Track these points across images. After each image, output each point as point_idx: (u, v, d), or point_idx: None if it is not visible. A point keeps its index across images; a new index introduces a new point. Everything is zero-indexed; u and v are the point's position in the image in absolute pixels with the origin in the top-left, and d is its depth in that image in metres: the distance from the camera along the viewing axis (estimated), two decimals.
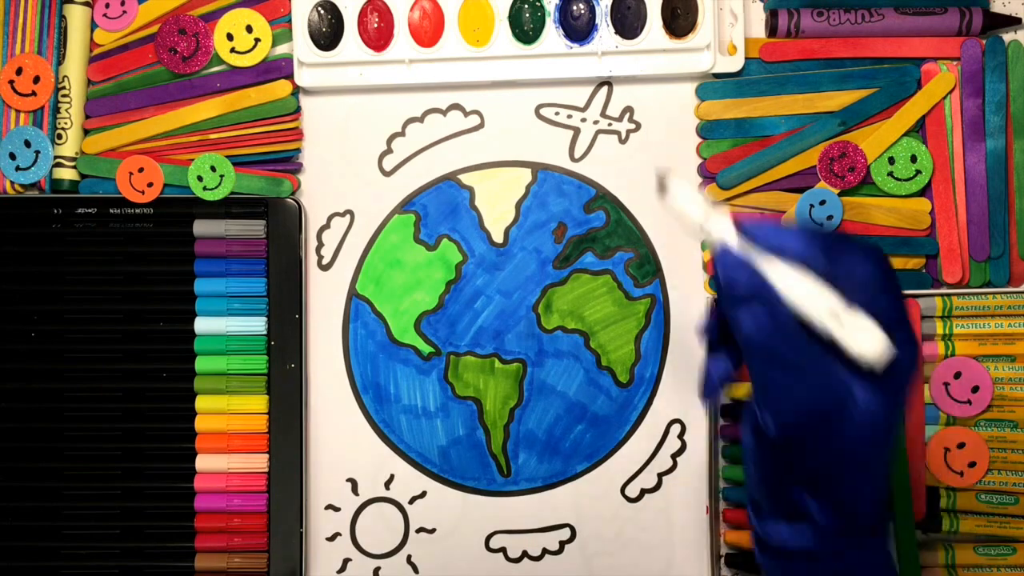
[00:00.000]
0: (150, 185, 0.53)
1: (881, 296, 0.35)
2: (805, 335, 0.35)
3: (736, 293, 0.35)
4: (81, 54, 0.54)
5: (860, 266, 0.36)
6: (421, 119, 0.55)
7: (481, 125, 0.55)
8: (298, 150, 0.55)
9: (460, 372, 0.54)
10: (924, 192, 0.53)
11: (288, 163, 0.54)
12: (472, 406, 0.54)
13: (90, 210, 0.53)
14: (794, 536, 0.37)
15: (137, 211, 0.53)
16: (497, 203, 0.55)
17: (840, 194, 0.52)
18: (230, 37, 0.53)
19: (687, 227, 0.38)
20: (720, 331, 0.39)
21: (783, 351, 0.35)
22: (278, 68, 0.54)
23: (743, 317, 0.35)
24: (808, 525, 0.37)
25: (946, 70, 0.52)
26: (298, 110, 0.54)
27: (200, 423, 0.53)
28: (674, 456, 0.54)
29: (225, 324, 0.53)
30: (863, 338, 0.34)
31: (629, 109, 0.54)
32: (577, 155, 0.55)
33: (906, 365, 0.35)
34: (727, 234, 0.36)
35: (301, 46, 0.53)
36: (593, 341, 0.54)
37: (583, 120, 0.55)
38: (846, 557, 0.37)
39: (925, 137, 0.53)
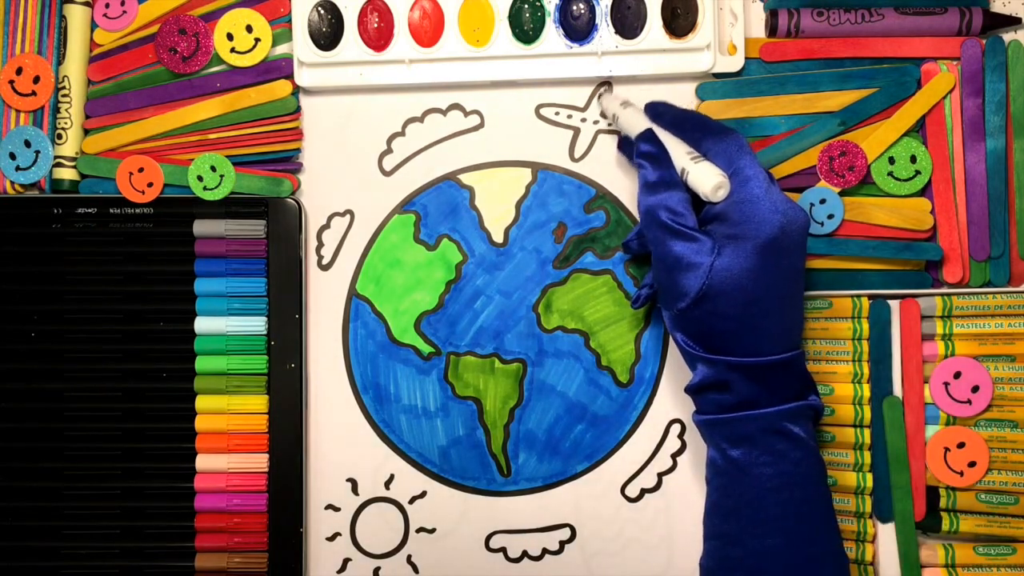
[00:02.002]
0: (150, 185, 0.53)
1: (741, 159, 0.44)
2: (693, 221, 0.44)
3: (649, 179, 0.45)
4: (81, 54, 0.54)
5: (723, 142, 0.45)
6: (421, 119, 0.55)
7: (481, 125, 0.55)
8: (298, 150, 0.55)
9: (460, 372, 0.54)
10: (924, 192, 0.53)
11: (288, 163, 0.54)
12: (472, 406, 0.54)
13: (90, 210, 0.53)
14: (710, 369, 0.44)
15: (137, 211, 0.53)
16: (497, 203, 0.55)
17: (841, 193, 0.52)
18: (230, 37, 0.53)
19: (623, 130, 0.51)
20: (639, 243, 0.51)
21: (678, 225, 0.44)
22: (278, 68, 0.54)
23: (651, 202, 0.45)
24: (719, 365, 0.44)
25: (946, 70, 0.52)
26: (298, 110, 0.54)
27: (200, 423, 0.53)
28: (674, 456, 0.54)
29: (225, 324, 0.53)
30: (705, 174, 0.43)
31: None
32: (577, 155, 0.55)
33: (765, 222, 0.42)
34: (641, 123, 0.48)
35: (301, 46, 0.53)
36: (593, 341, 0.54)
37: (583, 120, 0.55)
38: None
39: (925, 137, 0.53)
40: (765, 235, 0.42)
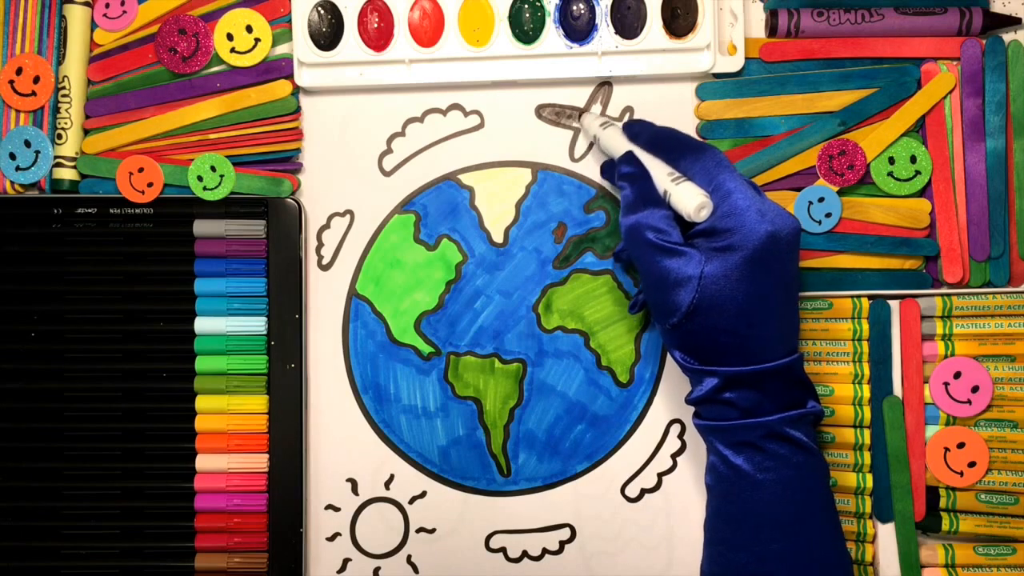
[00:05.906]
0: (150, 185, 0.53)
1: (723, 175, 0.44)
2: (676, 234, 0.44)
3: (630, 199, 0.45)
4: (81, 54, 0.54)
5: (700, 161, 0.45)
6: (421, 119, 0.55)
7: (481, 125, 0.55)
8: (298, 150, 0.55)
9: (460, 372, 0.54)
10: (924, 192, 0.53)
11: (288, 163, 0.54)
12: (472, 406, 0.54)
13: (90, 210, 0.53)
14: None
15: (137, 211, 0.53)
16: (497, 203, 0.55)
17: (839, 192, 0.52)
18: (230, 37, 0.53)
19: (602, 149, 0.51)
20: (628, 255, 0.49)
21: (661, 242, 0.43)
22: (278, 68, 0.54)
23: (632, 223, 0.45)
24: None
25: (946, 70, 0.52)
26: (298, 110, 0.54)
27: (200, 423, 0.53)
28: (674, 456, 0.54)
29: (225, 324, 0.53)
30: (687, 195, 0.43)
31: (629, 109, 0.54)
32: (577, 155, 0.55)
33: (752, 232, 0.42)
34: (620, 145, 0.49)
35: (301, 46, 0.53)
36: (593, 341, 0.54)
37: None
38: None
39: (925, 137, 0.53)
40: (753, 245, 0.42)
